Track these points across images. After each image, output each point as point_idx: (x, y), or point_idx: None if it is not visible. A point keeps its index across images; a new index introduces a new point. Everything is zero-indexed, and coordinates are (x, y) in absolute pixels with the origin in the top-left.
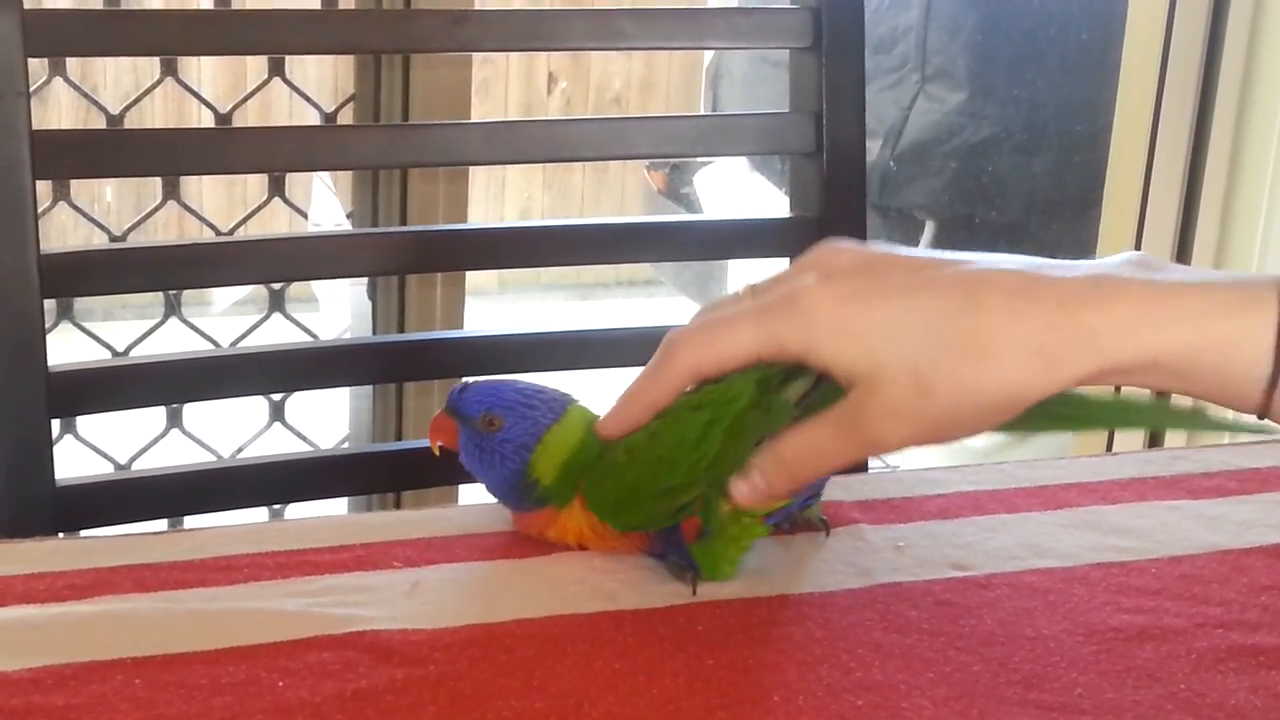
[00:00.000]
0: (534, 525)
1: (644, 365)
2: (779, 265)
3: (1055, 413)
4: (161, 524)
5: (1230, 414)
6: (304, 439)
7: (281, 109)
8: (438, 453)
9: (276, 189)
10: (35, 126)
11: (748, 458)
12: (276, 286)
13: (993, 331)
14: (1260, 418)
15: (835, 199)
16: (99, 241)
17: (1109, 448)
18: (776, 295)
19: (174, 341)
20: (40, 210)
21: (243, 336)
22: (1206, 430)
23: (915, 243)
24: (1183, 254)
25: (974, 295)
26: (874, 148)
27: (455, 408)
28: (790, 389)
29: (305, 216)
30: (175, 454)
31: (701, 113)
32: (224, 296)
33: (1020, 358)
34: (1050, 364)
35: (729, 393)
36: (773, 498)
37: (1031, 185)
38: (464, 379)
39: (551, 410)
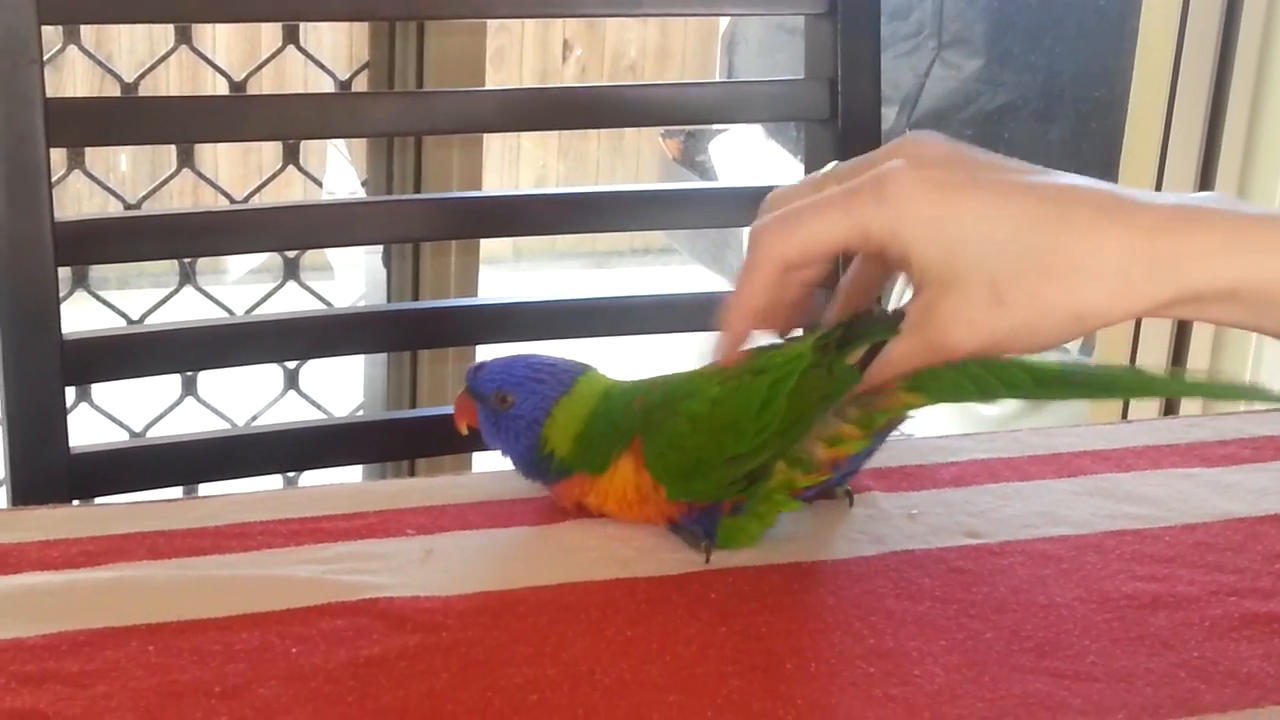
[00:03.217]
0: (568, 495)
1: (660, 332)
2: None
3: (1076, 381)
4: (176, 491)
5: (1247, 380)
6: (318, 407)
7: (296, 77)
8: (465, 433)
9: (291, 157)
10: (49, 95)
11: (814, 422)
12: (291, 254)
13: (1077, 249)
14: None
15: None
16: (114, 210)
17: (1124, 415)
18: (864, 180)
19: (189, 310)
20: (55, 178)
21: (257, 305)
22: (1226, 398)
23: None
24: None
25: (1064, 208)
26: (890, 115)
27: (471, 387)
28: (849, 354)
29: (320, 185)
30: (190, 422)
31: (717, 80)
32: (238, 265)
33: (1101, 279)
34: (1130, 287)
35: (790, 355)
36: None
37: (1048, 152)
38: (473, 351)
39: (560, 383)
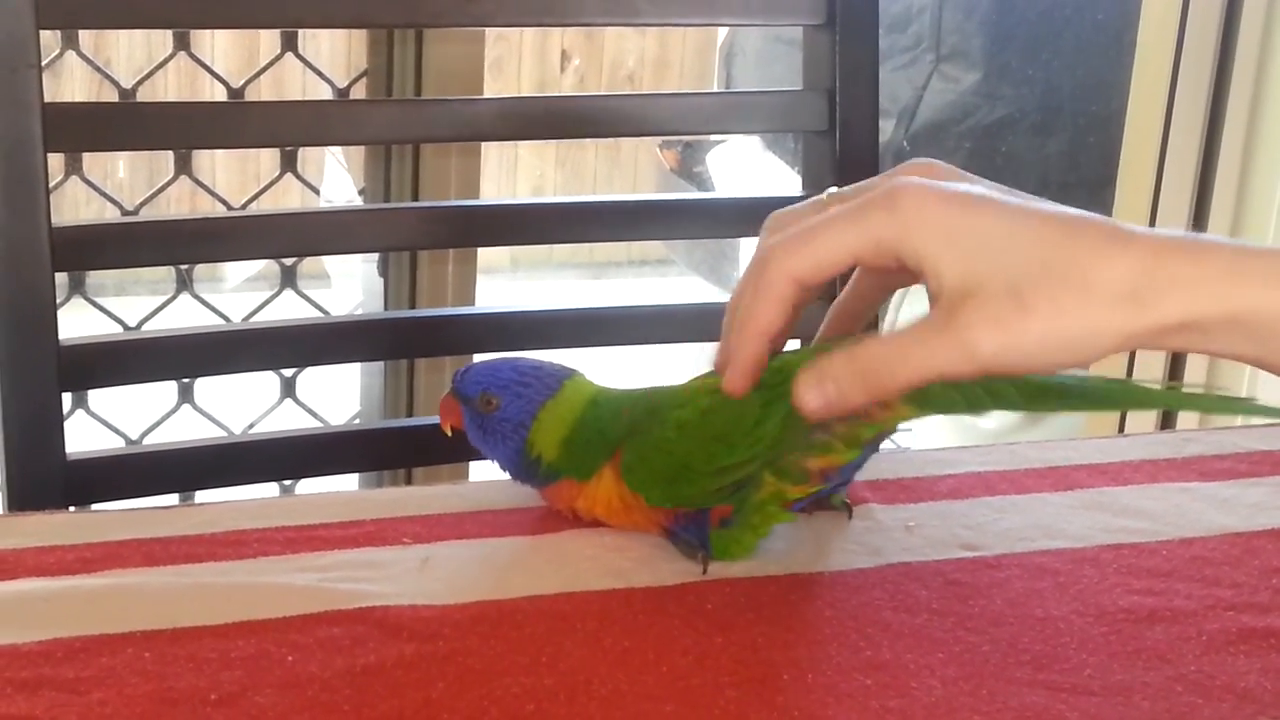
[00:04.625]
0: (559, 498)
1: (656, 343)
2: None
3: (1066, 394)
4: (172, 498)
5: (1243, 393)
6: (315, 415)
7: (294, 85)
8: (449, 434)
9: (289, 165)
10: (47, 100)
11: (807, 438)
12: (288, 262)
13: (1090, 266)
14: None
15: (848, 178)
16: (111, 216)
17: (1121, 429)
18: (874, 194)
19: (186, 317)
20: (52, 184)
21: (254, 312)
22: (1220, 412)
23: None
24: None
25: (1073, 230)
26: (888, 127)
27: (457, 390)
28: None
29: (317, 192)
30: (186, 429)
31: (715, 90)
32: (236, 272)
33: (1111, 296)
34: (1139, 307)
35: (785, 371)
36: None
37: (1046, 166)
38: (470, 360)
39: (546, 387)
